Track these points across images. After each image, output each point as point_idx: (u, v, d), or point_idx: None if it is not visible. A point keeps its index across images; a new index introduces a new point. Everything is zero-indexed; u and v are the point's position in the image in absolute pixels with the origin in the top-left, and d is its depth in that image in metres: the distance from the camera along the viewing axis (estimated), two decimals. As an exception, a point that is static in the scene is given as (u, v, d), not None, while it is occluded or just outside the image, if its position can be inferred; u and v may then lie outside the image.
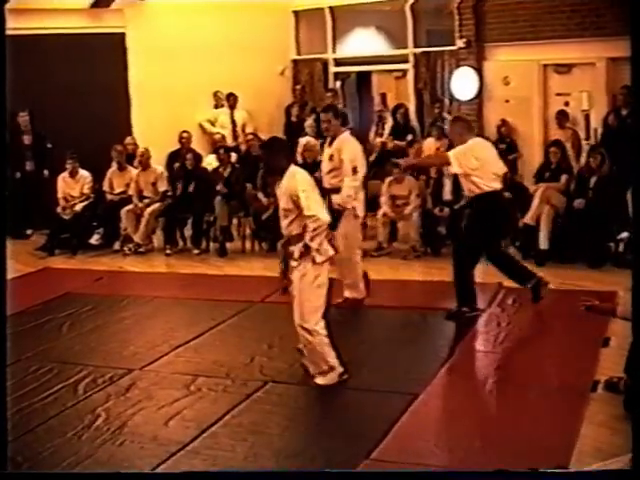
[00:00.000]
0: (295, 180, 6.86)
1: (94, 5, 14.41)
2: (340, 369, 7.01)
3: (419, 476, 5.07)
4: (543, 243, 10.58)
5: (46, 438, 6.28)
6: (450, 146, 12.81)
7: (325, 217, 6.88)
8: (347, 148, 8.82)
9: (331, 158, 8.87)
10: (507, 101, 14.18)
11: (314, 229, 6.77)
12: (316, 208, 6.82)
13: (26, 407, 6.79)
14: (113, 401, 6.94)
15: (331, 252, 6.95)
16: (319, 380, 7.00)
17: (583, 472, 4.95)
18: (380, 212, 11.72)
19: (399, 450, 5.84)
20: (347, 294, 9.10)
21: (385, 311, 9.03)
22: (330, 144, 8.95)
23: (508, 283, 9.14)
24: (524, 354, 7.70)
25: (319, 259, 6.83)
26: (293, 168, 7.00)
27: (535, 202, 10.73)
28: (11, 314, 8.29)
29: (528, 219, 10.70)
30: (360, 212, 9.00)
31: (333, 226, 8.22)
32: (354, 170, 8.72)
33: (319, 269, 6.87)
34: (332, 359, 6.98)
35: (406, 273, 10.46)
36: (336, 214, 8.51)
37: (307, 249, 6.79)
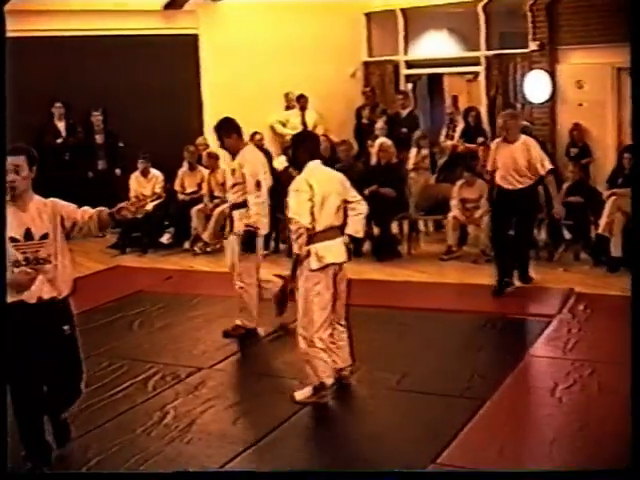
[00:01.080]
0: (296, 178, 6.72)
1: (167, 6, 14.56)
2: (328, 386, 6.74)
3: (425, 476, 5.06)
4: (615, 250, 10.39)
5: (115, 434, 6.34)
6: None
7: (304, 221, 6.50)
8: (249, 162, 8.41)
9: (233, 173, 8.51)
10: (580, 105, 14.00)
11: (294, 231, 6.56)
12: (298, 210, 6.52)
13: (96, 403, 6.86)
14: (182, 399, 6.99)
15: (330, 260, 6.58)
16: (296, 394, 6.76)
17: (583, 472, 4.89)
18: (450, 215, 11.64)
19: (466, 455, 5.80)
20: (238, 321, 8.60)
21: (453, 315, 8.96)
22: (233, 158, 8.59)
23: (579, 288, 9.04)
24: (594, 361, 7.58)
25: (314, 265, 6.54)
26: (311, 164, 6.73)
27: (606, 211, 10.54)
28: (83, 311, 8.45)
29: (601, 230, 10.50)
30: (264, 230, 8.57)
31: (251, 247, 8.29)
32: (257, 185, 8.31)
33: (318, 276, 6.55)
34: (324, 375, 6.70)
35: (476, 277, 10.36)
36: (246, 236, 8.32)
37: (307, 254, 6.53)
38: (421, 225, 12.80)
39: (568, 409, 6.57)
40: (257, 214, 8.33)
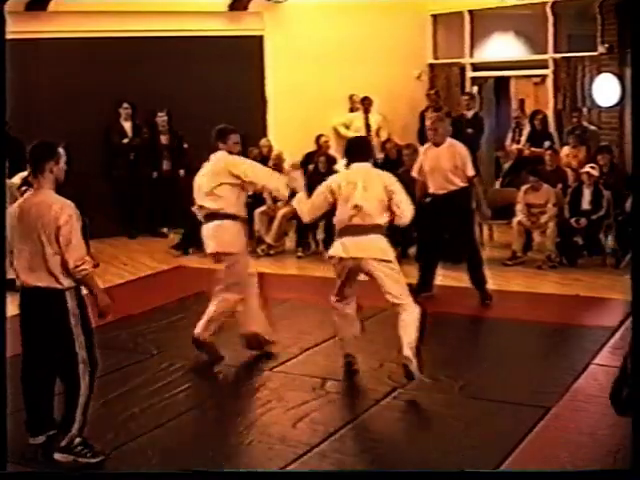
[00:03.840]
0: None
1: (232, 7, 14.60)
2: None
3: (423, 476, 4.98)
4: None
5: (176, 434, 6.35)
6: (589, 154, 12.63)
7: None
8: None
9: None
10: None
11: None
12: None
13: (157, 403, 6.88)
14: (242, 400, 6.98)
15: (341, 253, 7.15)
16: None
17: (583, 472, 4.79)
18: (515, 220, 11.50)
19: (529, 463, 5.71)
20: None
21: (517, 324, 8.85)
22: None
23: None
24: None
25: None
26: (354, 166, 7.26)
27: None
28: (144, 311, 8.49)
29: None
30: None
31: None
32: None
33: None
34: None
35: (540, 284, 10.25)
36: None
37: None
38: (485, 230, 12.65)
39: (633, 418, 6.43)
40: None
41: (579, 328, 8.70)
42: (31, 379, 5.92)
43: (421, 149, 10.21)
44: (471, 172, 9.50)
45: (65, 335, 5.72)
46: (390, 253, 7.11)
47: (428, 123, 9.86)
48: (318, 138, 13.86)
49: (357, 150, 7.38)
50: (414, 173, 9.82)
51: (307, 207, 7.36)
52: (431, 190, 9.58)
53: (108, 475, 5.73)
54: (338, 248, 7.13)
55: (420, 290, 9.15)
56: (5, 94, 4.90)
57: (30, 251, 5.67)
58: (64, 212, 5.62)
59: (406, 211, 7.10)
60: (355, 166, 7.24)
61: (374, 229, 7.03)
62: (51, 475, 5.63)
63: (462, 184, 9.47)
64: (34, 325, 5.78)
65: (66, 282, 5.67)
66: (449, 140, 9.60)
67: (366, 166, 7.24)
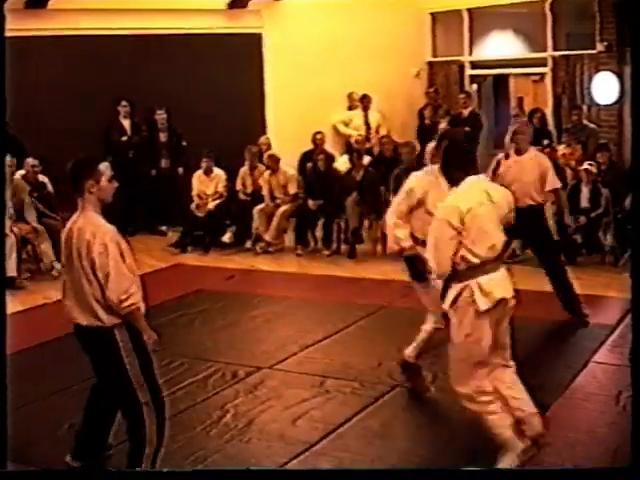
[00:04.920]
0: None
1: (232, 5, 14.60)
2: (521, 444, 5.48)
3: (423, 474, 4.98)
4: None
5: (175, 432, 6.34)
6: (585, 153, 12.62)
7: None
8: None
9: None
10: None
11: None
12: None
13: (157, 400, 6.88)
14: (242, 398, 6.99)
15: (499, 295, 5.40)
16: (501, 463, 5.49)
17: (583, 471, 4.80)
18: (513, 219, 11.48)
19: (529, 461, 5.70)
20: None
21: (516, 322, 8.81)
22: None
23: None
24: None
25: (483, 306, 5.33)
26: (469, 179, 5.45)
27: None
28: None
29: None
30: None
31: None
32: None
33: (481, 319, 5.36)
34: (504, 429, 5.50)
35: (539, 282, 10.23)
36: None
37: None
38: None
39: (631, 417, 6.44)
40: None
41: (578, 326, 8.67)
42: (93, 409, 5.70)
43: (498, 156, 9.19)
44: (552, 185, 8.71)
45: (119, 375, 5.24)
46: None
47: (513, 129, 9.14)
48: (314, 136, 13.85)
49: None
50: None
51: None
52: None
53: (108, 474, 5.73)
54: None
55: None
56: (5, 92, 4.89)
57: (73, 282, 5.20)
58: (97, 241, 5.04)
59: None
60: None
61: None
62: (51, 474, 5.63)
63: (540, 199, 8.70)
64: (91, 360, 5.39)
65: (110, 319, 5.15)
66: (532, 149, 8.93)
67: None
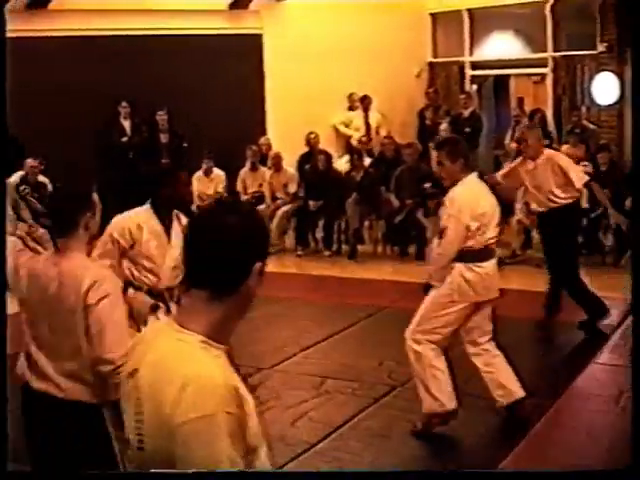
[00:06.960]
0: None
1: (232, 6, 14.60)
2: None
3: (422, 476, 4.97)
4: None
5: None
6: (588, 153, 12.61)
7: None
8: None
9: None
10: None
11: None
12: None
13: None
14: (241, 399, 6.97)
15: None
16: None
17: (581, 471, 4.80)
18: (514, 219, 11.50)
19: (531, 458, 5.72)
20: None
21: (516, 322, 8.84)
22: None
23: None
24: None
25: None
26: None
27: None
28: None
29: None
30: None
31: None
32: None
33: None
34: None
35: (540, 282, 10.23)
36: None
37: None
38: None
39: (631, 417, 6.45)
40: None
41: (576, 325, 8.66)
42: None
43: (516, 161, 9.07)
44: (581, 180, 8.52)
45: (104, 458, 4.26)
46: None
47: (519, 134, 8.95)
48: (308, 136, 13.84)
49: None
50: (499, 177, 8.95)
51: None
52: (533, 206, 8.94)
53: (108, 475, 5.72)
54: None
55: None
56: (5, 93, 4.88)
57: (47, 341, 4.27)
58: (99, 287, 4.06)
59: None
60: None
61: None
62: (51, 475, 5.62)
63: (567, 200, 8.44)
64: (50, 442, 4.39)
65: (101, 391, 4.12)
66: (547, 152, 8.57)
67: None
